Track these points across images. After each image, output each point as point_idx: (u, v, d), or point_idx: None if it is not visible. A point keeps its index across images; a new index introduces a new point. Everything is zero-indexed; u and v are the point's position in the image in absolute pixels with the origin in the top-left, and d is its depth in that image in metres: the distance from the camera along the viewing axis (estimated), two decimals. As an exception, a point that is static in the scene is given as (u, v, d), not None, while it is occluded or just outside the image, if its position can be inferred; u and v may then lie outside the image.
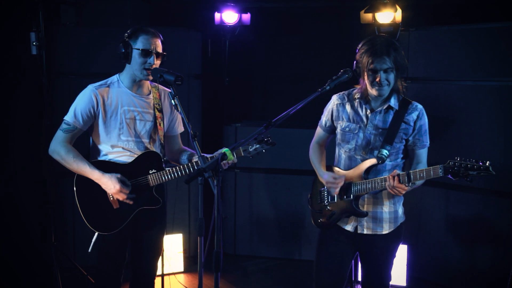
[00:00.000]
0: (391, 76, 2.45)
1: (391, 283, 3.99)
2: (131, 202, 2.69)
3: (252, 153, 2.70)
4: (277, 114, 2.26)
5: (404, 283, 4.04)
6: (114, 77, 2.78)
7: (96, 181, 2.65)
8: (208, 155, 2.76)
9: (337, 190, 2.57)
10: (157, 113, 2.80)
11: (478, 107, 3.88)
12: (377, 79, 2.43)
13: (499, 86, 3.79)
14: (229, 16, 4.75)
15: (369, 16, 4.19)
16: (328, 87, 2.40)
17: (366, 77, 2.47)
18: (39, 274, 4.01)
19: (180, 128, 2.99)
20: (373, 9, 4.15)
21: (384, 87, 2.45)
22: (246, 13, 4.78)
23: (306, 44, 5.37)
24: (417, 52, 4.14)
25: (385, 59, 2.40)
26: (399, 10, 4.13)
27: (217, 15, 4.75)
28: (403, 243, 4.05)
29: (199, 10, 4.98)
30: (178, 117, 2.95)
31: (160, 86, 2.87)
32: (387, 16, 4.11)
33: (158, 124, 2.81)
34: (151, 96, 2.82)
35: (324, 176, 2.64)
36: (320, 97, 2.53)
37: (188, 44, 4.50)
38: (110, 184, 2.62)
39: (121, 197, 2.66)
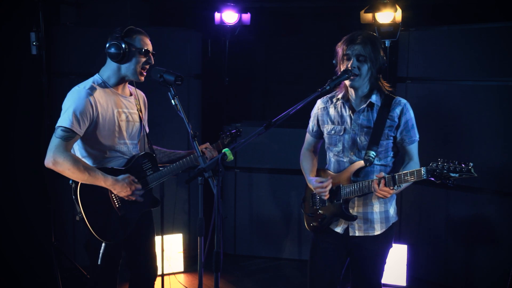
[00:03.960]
0: (364, 67, 2.45)
1: (391, 283, 4.02)
2: (142, 200, 2.66)
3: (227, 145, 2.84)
4: (277, 114, 2.26)
5: (404, 283, 4.04)
6: (97, 78, 2.66)
7: (110, 187, 2.56)
8: (204, 146, 2.86)
9: (327, 194, 2.56)
10: (140, 114, 2.79)
11: (478, 107, 3.88)
12: (349, 65, 2.45)
13: (499, 86, 3.79)
14: (229, 16, 4.75)
15: (369, 16, 4.18)
16: (328, 87, 2.39)
17: (342, 68, 2.50)
18: (39, 274, 4.01)
19: (147, 129, 2.93)
20: (373, 9, 4.14)
21: (355, 78, 2.45)
22: (246, 13, 4.78)
23: (306, 44, 5.37)
24: (417, 52, 4.14)
25: (359, 46, 2.44)
26: (399, 10, 4.13)
27: (217, 15, 4.75)
28: (403, 243, 4.06)
29: (199, 10, 4.98)
30: (146, 117, 2.92)
31: (136, 88, 2.82)
32: (387, 16, 4.11)
33: (144, 125, 2.80)
34: (133, 96, 2.79)
35: (311, 182, 2.63)
36: (320, 97, 2.54)
37: (188, 44, 4.50)
38: (125, 187, 2.56)
39: (135, 196, 2.61)
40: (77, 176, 2.50)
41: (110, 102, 2.64)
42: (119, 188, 2.56)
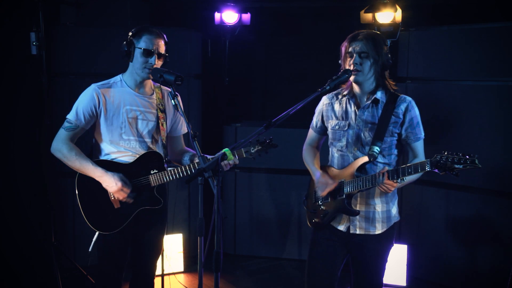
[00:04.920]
0: (366, 63, 2.47)
1: (391, 283, 4.03)
2: (131, 201, 2.70)
3: (254, 154, 2.71)
4: (277, 114, 2.26)
5: (404, 283, 4.04)
6: (117, 77, 2.79)
7: (98, 179, 2.66)
8: (210, 156, 2.76)
9: (325, 192, 2.58)
10: (160, 114, 2.81)
11: (478, 107, 3.88)
12: (351, 62, 2.47)
13: (499, 86, 3.79)
14: (229, 16, 4.75)
15: (369, 16, 4.18)
16: (328, 87, 2.41)
17: (346, 66, 2.52)
18: (39, 274, 4.01)
19: (184, 129, 2.98)
20: (373, 9, 4.14)
21: (358, 73, 2.47)
22: (246, 13, 4.78)
23: (306, 44, 5.37)
24: (417, 52, 4.14)
25: (361, 43, 2.47)
26: (399, 10, 4.13)
27: (217, 15, 4.75)
28: (403, 243, 4.07)
29: (199, 10, 4.98)
30: (181, 118, 2.95)
31: (164, 87, 2.87)
32: (387, 16, 4.11)
33: (160, 125, 2.81)
34: (154, 96, 2.82)
35: (316, 174, 2.64)
36: (320, 97, 2.54)
37: (188, 44, 4.50)
38: (111, 182, 2.63)
39: (122, 195, 2.66)
40: (71, 164, 2.68)
41: (121, 100, 2.71)
42: (106, 182, 2.65)
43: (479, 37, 3.85)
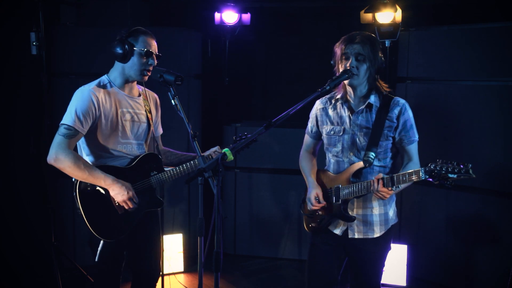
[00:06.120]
0: (363, 67, 2.45)
1: (391, 283, 4.03)
2: (134, 209, 2.64)
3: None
4: (277, 114, 2.26)
5: (404, 283, 4.04)
6: (104, 78, 2.70)
7: (107, 187, 2.57)
8: (206, 153, 2.78)
9: (311, 208, 2.61)
10: (148, 114, 2.79)
11: (478, 107, 3.88)
12: (347, 64, 2.45)
13: (499, 86, 3.79)
14: (229, 16, 4.74)
15: (369, 16, 4.18)
16: (328, 87, 2.39)
17: (340, 68, 2.50)
18: (39, 274, 4.01)
19: (160, 130, 2.97)
20: (373, 9, 4.14)
21: (354, 76, 2.45)
22: (246, 13, 4.78)
23: (306, 44, 5.37)
24: (417, 52, 4.14)
25: (358, 45, 2.45)
26: (399, 10, 4.13)
27: (217, 15, 4.75)
28: (403, 243, 4.07)
29: (199, 10, 4.98)
30: (159, 119, 2.94)
31: (146, 89, 2.85)
32: (387, 16, 4.11)
33: (151, 125, 2.80)
34: (141, 97, 2.81)
35: (309, 190, 2.65)
36: (320, 97, 2.54)
37: (188, 44, 4.50)
38: (122, 191, 2.56)
39: (128, 205, 2.61)
40: (76, 174, 2.53)
41: (114, 102, 2.66)
42: (117, 189, 2.57)
43: (479, 37, 3.85)
